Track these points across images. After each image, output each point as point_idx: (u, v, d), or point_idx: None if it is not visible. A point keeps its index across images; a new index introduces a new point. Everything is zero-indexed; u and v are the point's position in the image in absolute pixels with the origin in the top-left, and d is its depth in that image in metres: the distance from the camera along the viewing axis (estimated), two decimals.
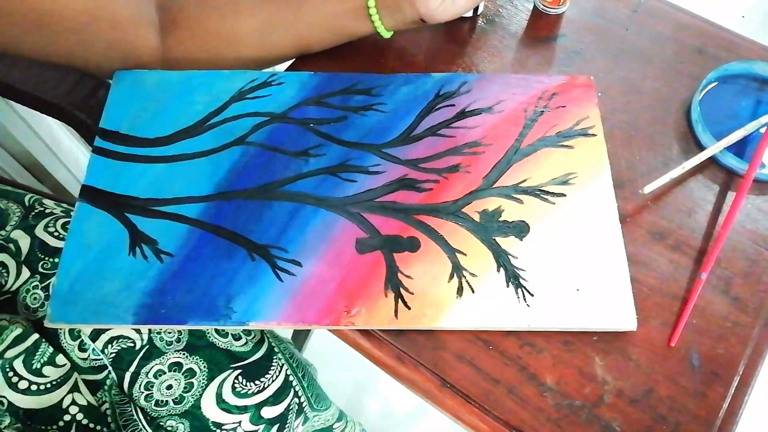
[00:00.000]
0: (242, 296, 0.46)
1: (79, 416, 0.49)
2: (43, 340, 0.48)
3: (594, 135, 0.53)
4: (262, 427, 0.54)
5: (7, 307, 0.52)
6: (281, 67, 0.59)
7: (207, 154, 0.52)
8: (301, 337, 1.01)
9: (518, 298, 0.45)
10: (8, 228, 0.55)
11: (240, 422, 0.53)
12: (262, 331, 0.57)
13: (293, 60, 0.60)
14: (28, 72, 0.62)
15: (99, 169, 0.51)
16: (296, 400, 0.58)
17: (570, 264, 0.47)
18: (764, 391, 0.62)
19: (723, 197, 0.52)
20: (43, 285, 0.52)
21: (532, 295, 0.46)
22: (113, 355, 0.50)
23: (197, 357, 0.52)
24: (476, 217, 0.49)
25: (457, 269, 0.47)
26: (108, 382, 0.51)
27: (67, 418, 0.48)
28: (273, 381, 0.55)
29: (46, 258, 0.53)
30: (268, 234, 0.48)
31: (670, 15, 0.63)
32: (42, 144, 0.88)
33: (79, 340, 0.50)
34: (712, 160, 0.53)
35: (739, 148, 0.54)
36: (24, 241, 0.54)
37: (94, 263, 0.47)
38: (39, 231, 0.55)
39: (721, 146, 0.51)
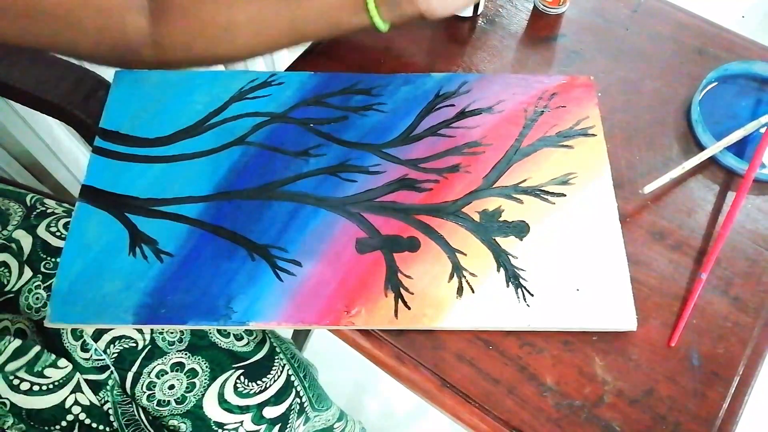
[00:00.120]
0: (242, 296, 0.46)
1: (82, 416, 0.49)
2: (45, 350, 0.48)
3: (594, 135, 0.53)
4: (264, 426, 0.54)
5: (9, 307, 0.52)
6: (281, 67, 0.59)
7: (207, 154, 0.52)
8: (301, 337, 1.01)
9: (518, 298, 0.45)
10: (10, 228, 0.55)
11: (242, 422, 0.53)
12: (263, 332, 0.57)
13: (293, 60, 0.60)
14: (27, 71, 0.62)
15: (99, 169, 0.51)
16: (298, 400, 0.58)
17: (570, 264, 0.47)
18: (764, 391, 0.62)
19: (723, 197, 0.52)
20: (45, 285, 0.52)
21: (532, 295, 0.46)
22: (115, 355, 0.50)
23: (199, 357, 0.52)
24: (476, 217, 0.49)
25: (457, 269, 0.47)
26: (110, 382, 0.51)
27: (69, 418, 0.48)
28: (275, 381, 0.55)
29: (48, 258, 0.53)
30: (268, 234, 0.48)
31: (670, 15, 0.63)
32: (42, 144, 0.88)
33: (82, 340, 0.50)
34: (712, 160, 0.53)
35: (739, 148, 0.54)
36: (26, 241, 0.54)
37: (94, 263, 0.47)
38: (41, 231, 0.55)
39: (721, 146, 0.51)
